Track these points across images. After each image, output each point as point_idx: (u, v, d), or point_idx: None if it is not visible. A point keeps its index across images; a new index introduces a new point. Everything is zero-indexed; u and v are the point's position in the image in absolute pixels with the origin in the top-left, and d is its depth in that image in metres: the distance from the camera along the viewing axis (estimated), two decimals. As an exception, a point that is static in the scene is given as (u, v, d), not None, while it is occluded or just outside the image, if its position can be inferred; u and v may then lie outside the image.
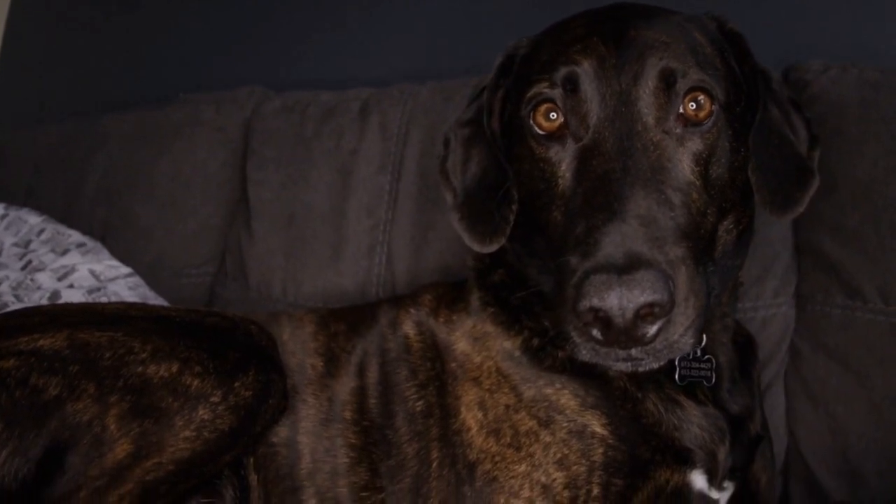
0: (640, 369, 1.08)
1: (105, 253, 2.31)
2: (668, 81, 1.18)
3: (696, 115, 1.19)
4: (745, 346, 1.48)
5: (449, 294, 1.53)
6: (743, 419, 1.39)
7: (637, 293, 0.97)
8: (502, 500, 1.26)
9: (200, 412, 1.27)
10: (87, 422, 1.21)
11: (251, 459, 1.43)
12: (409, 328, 1.52)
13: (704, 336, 1.30)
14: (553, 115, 1.21)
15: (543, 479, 1.25)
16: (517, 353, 1.36)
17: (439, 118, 2.21)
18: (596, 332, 1.02)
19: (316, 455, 1.44)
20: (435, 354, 1.46)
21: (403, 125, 2.26)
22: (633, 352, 1.03)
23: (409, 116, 2.27)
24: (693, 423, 1.30)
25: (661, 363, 1.07)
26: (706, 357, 1.34)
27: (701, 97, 1.19)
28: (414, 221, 2.16)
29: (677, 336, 1.03)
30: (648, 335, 1.01)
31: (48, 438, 1.19)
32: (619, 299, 0.98)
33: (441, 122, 2.19)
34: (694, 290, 1.05)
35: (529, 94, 1.24)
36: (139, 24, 3.15)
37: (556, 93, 1.21)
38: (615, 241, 1.02)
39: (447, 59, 2.51)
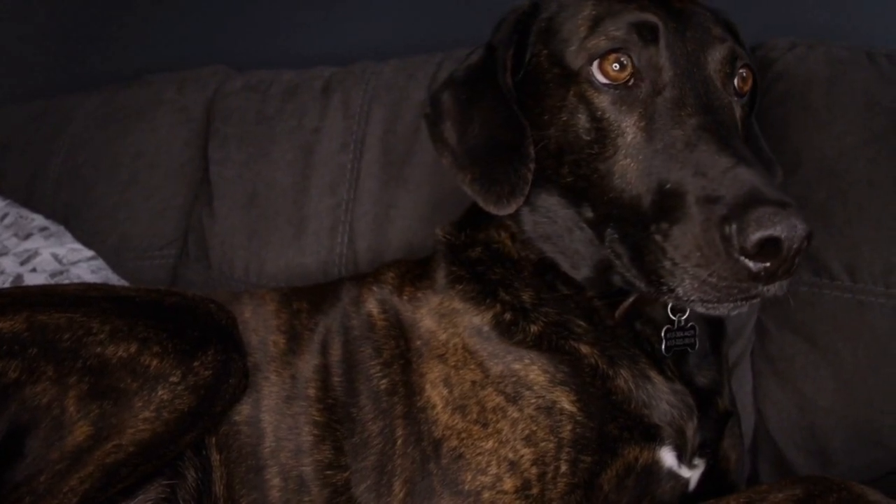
0: (735, 312, 1.14)
1: (68, 236, 2.30)
2: (732, 54, 1.26)
3: (742, 88, 1.30)
4: (714, 320, 1.49)
5: (412, 271, 1.52)
6: (711, 394, 1.39)
7: (804, 224, 1.02)
8: (469, 477, 1.25)
9: (160, 392, 1.25)
10: (46, 404, 1.20)
11: (213, 439, 1.42)
12: (372, 306, 1.50)
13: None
14: (616, 67, 1.23)
15: (511, 455, 1.24)
16: (486, 329, 1.34)
17: (402, 96, 2.21)
18: (754, 265, 1.04)
19: (279, 433, 1.43)
20: (399, 332, 1.44)
21: (366, 103, 2.25)
22: (767, 288, 1.07)
23: (372, 95, 2.26)
24: (662, 399, 1.30)
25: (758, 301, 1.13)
26: (690, 325, 1.36)
27: (745, 72, 1.29)
28: (376, 200, 2.16)
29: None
30: (795, 266, 1.06)
31: (8, 423, 1.18)
32: (795, 228, 1.01)
33: (404, 100, 2.19)
34: None
35: (595, 43, 1.25)
36: (103, 4, 3.12)
37: (632, 41, 1.23)
38: (754, 181, 1.06)
39: (410, 37, 2.50)
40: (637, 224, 1.17)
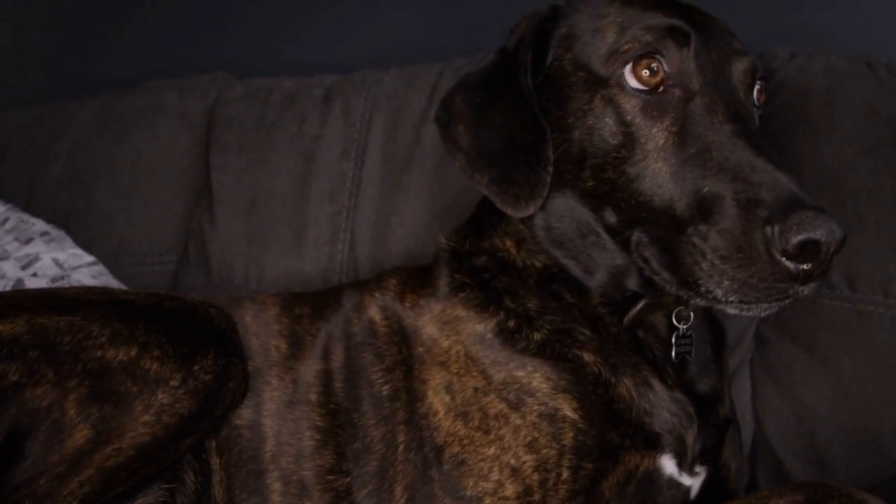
0: (766, 313, 1.17)
1: (69, 241, 2.30)
2: (754, 66, 1.31)
3: (759, 100, 1.35)
4: (716, 327, 1.49)
5: (414, 278, 1.52)
6: (712, 401, 1.39)
7: (840, 229, 1.06)
8: (471, 483, 1.25)
9: (160, 396, 1.25)
10: (46, 407, 1.20)
11: (213, 443, 1.42)
12: (374, 312, 1.50)
13: (692, 313, 1.37)
14: (648, 72, 1.25)
15: (513, 461, 1.24)
16: (489, 336, 1.34)
17: (402, 104, 2.22)
18: (794, 266, 1.07)
19: (280, 437, 1.43)
20: (401, 339, 1.44)
21: (367, 111, 2.26)
22: (802, 289, 1.10)
23: (373, 103, 2.27)
24: (663, 407, 1.31)
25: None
26: (689, 333, 1.37)
27: (762, 84, 1.34)
28: (377, 208, 2.16)
29: None
30: (830, 268, 1.10)
31: (8, 425, 1.17)
32: (833, 232, 1.06)
33: (404, 108, 2.20)
34: None
35: (628, 47, 1.26)
36: (104, 9, 3.12)
37: (664, 46, 1.24)
38: (792, 186, 1.09)
39: (411, 45, 2.51)
40: (670, 227, 1.18)
